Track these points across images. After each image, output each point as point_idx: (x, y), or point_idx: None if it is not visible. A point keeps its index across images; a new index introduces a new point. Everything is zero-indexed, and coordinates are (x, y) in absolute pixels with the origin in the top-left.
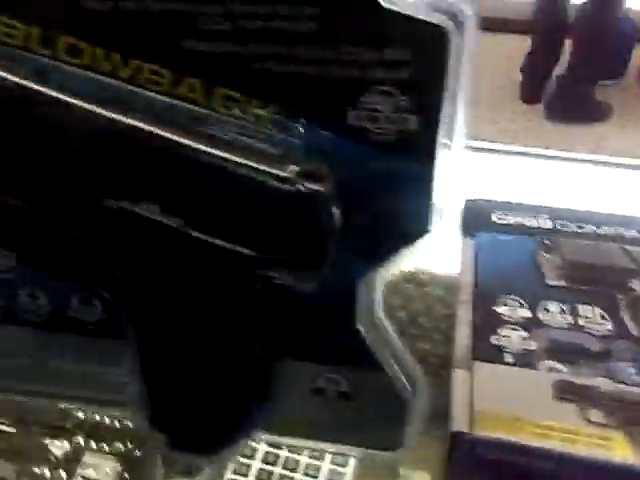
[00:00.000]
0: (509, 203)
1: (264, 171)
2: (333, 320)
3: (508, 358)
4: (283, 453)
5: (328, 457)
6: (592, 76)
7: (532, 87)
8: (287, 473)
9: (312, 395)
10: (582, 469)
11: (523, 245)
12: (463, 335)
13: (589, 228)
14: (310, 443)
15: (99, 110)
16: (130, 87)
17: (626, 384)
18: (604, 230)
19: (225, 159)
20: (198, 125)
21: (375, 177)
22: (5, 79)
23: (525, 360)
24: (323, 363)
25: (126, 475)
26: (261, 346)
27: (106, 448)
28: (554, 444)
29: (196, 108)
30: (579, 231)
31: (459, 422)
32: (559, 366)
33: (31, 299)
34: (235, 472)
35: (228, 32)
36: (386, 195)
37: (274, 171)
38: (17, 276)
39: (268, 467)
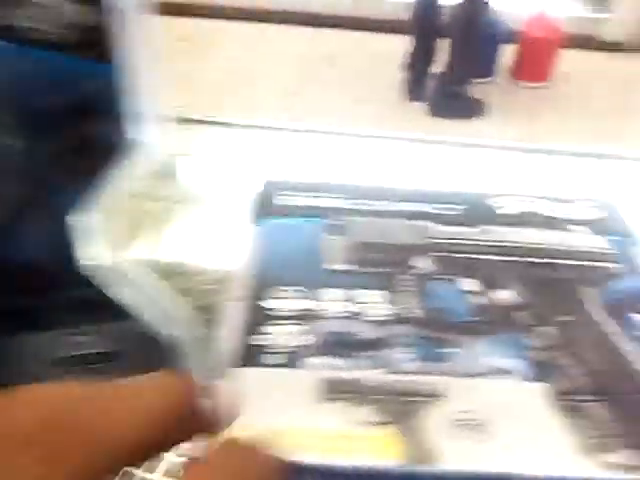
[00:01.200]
0: (302, 183)
1: None
2: (52, 267)
3: (268, 359)
4: None
5: None
6: (466, 75)
7: (414, 86)
8: None
9: (70, 364)
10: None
11: (307, 229)
12: (225, 338)
13: (382, 205)
14: None
15: None
16: None
17: (399, 373)
18: (398, 206)
19: None
20: None
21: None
22: None
23: (291, 359)
24: (59, 326)
25: None
26: None
27: None
28: (318, 453)
29: None
30: (371, 209)
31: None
32: (330, 361)
33: None
34: None
35: None
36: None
37: None
38: None
39: None
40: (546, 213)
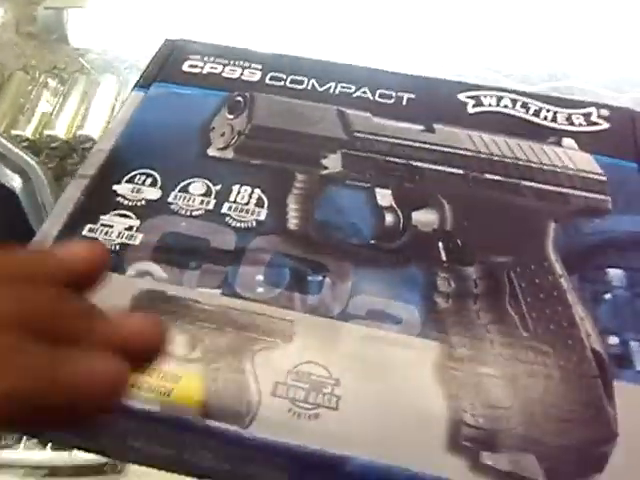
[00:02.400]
0: (214, 46)
1: None
2: None
3: None
4: None
5: None
6: None
7: None
8: None
9: None
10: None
11: (204, 102)
12: (54, 222)
13: (309, 83)
14: None
15: None
16: None
17: (241, 298)
18: (327, 87)
19: None
20: None
21: None
22: None
23: (115, 260)
24: None
25: None
26: None
27: None
28: None
29: None
30: (292, 86)
31: None
32: (159, 270)
33: None
34: None
35: None
36: None
37: None
38: None
39: None
40: (527, 117)
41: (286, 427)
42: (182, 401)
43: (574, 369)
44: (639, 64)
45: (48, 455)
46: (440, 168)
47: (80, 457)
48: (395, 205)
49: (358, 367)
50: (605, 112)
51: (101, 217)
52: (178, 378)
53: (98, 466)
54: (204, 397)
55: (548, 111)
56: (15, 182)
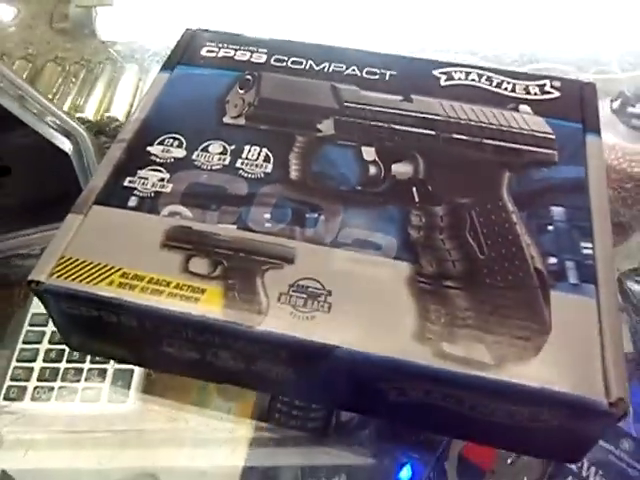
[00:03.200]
0: (227, 34)
1: None
2: None
3: (132, 202)
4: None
5: None
6: None
7: None
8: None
9: None
10: (149, 320)
11: (220, 80)
12: (99, 177)
13: (307, 64)
14: None
15: None
16: None
17: (252, 231)
18: (322, 66)
19: None
20: None
21: None
22: None
23: (151, 204)
24: None
25: None
26: None
27: None
28: (132, 295)
29: None
30: (293, 67)
31: (38, 269)
32: (186, 211)
33: None
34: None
35: None
36: None
37: None
38: None
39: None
40: (490, 88)
41: (289, 326)
42: (207, 307)
43: (520, 282)
44: (598, 46)
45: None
46: (416, 130)
47: None
48: (378, 159)
49: (346, 281)
50: (557, 83)
51: (138, 171)
52: (203, 290)
53: None
54: (224, 304)
55: (508, 83)
56: (66, 146)
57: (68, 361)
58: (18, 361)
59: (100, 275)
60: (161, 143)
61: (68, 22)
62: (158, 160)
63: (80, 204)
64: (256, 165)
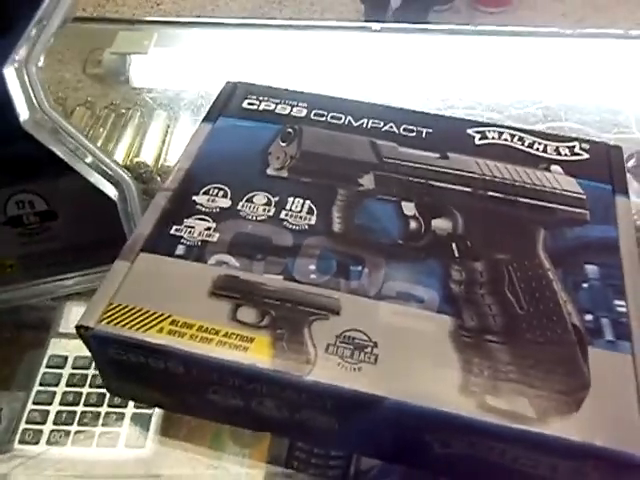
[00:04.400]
0: (268, 88)
1: None
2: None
3: (180, 250)
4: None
5: None
6: (426, 2)
7: (374, 17)
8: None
9: (8, 227)
10: (197, 367)
11: (262, 133)
12: (146, 224)
13: (346, 119)
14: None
15: None
16: None
17: (298, 282)
18: (361, 122)
19: None
20: None
21: None
22: None
23: (198, 253)
24: (6, 185)
25: None
26: None
27: None
28: (182, 342)
29: None
30: (332, 121)
31: (87, 315)
32: (232, 260)
33: None
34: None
35: None
36: None
37: None
38: None
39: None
40: (523, 148)
41: (337, 376)
42: (256, 356)
43: (559, 338)
44: (619, 108)
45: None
46: (453, 187)
47: None
48: (417, 215)
49: (391, 333)
50: (586, 145)
51: (184, 220)
52: (252, 339)
53: None
54: (273, 354)
55: (540, 144)
56: (112, 192)
57: (85, 404)
58: (34, 404)
59: (149, 322)
60: (206, 193)
61: (101, 68)
62: (204, 209)
63: (127, 251)
64: (300, 217)
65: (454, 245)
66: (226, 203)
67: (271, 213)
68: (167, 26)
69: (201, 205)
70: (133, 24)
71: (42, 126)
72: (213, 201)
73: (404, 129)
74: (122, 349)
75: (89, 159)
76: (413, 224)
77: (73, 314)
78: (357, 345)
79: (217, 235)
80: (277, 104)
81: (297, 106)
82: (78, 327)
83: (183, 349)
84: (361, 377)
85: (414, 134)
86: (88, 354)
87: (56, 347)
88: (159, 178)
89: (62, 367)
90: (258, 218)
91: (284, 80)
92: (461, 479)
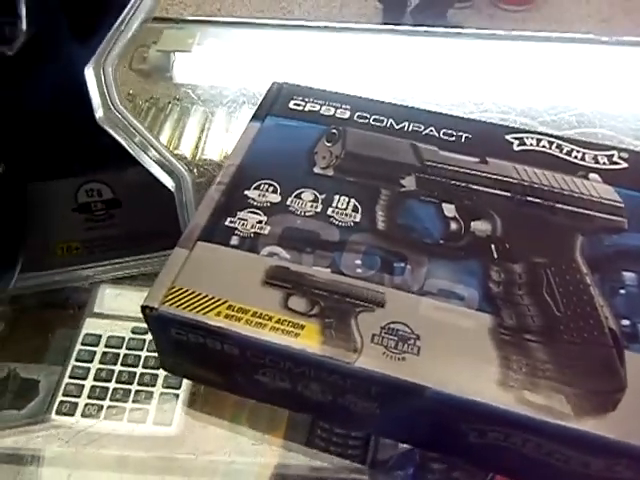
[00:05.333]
0: (313, 89)
1: None
2: (71, 118)
3: (234, 241)
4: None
5: None
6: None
7: (392, 13)
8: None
9: (78, 213)
10: (251, 350)
11: (308, 133)
12: (201, 215)
13: (388, 122)
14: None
15: None
16: None
17: (345, 275)
18: (402, 125)
19: None
20: None
21: None
22: None
23: (251, 244)
24: (76, 174)
25: None
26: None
27: None
28: (238, 326)
29: None
30: (375, 124)
31: (151, 296)
32: (283, 252)
33: None
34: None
35: None
36: None
37: None
38: None
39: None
40: (561, 155)
41: (382, 364)
42: (306, 341)
43: (595, 340)
44: None
45: None
46: (492, 191)
47: None
48: (457, 216)
49: (433, 328)
50: (624, 154)
51: (237, 213)
52: (302, 326)
53: None
54: (322, 340)
55: (578, 152)
56: (169, 183)
57: (117, 381)
58: (70, 377)
59: (208, 306)
60: (257, 188)
61: (146, 64)
62: (255, 204)
63: (186, 239)
64: (345, 214)
65: (493, 247)
66: (276, 198)
67: (318, 209)
68: (209, 25)
69: (252, 199)
70: (177, 23)
71: (114, 122)
72: (264, 196)
73: (444, 133)
74: (183, 329)
75: (151, 152)
76: (453, 225)
77: (107, 296)
78: (401, 337)
79: (268, 228)
80: (321, 105)
81: (341, 108)
82: (143, 307)
83: (240, 332)
84: (405, 367)
85: (454, 138)
86: (120, 334)
87: (91, 326)
88: (195, 171)
89: (96, 345)
90: (306, 213)
91: (317, 79)
92: (493, 469)
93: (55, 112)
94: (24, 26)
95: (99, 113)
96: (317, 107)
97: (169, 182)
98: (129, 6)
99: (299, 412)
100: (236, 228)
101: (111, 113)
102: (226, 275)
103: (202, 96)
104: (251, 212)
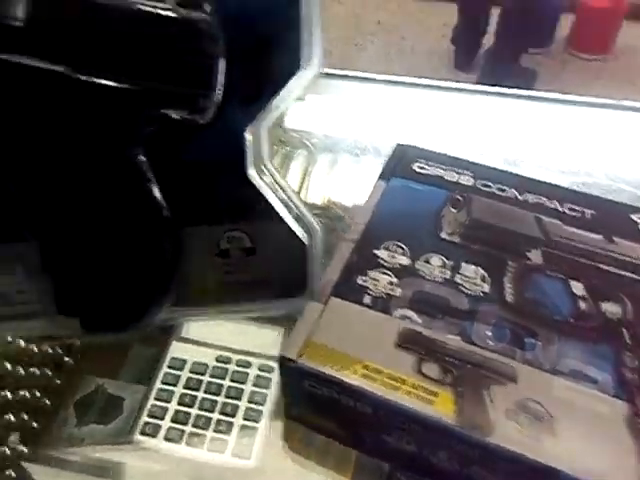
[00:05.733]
0: (436, 153)
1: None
2: (226, 172)
3: (367, 300)
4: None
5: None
6: (520, 45)
7: (464, 56)
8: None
9: (218, 258)
10: (385, 411)
11: (433, 197)
12: (334, 271)
13: (510, 192)
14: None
15: None
16: None
17: (476, 345)
18: (525, 197)
19: None
20: None
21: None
22: None
23: (383, 305)
24: (222, 222)
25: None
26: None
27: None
28: (374, 387)
29: None
30: (498, 193)
31: (289, 348)
32: (415, 316)
33: None
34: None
35: None
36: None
37: (153, 2)
38: None
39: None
40: None
41: (517, 442)
42: (441, 409)
43: None
44: None
45: None
46: (621, 272)
47: None
48: (587, 295)
49: (567, 410)
50: None
51: (368, 272)
52: (436, 394)
53: None
54: (455, 410)
55: None
56: (304, 237)
57: (199, 408)
58: (156, 399)
59: (345, 363)
60: (386, 248)
61: None
62: (386, 264)
63: (319, 294)
64: (474, 283)
65: (625, 331)
66: (405, 261)
67: (447, 276)
68: (321, 77)
69: (383, 260)
70: None
71: (262, 177)
72: (393, 257)
73: (569, 208)
74: (317, 383)
75: (292, 207)
76: (583, 304)
77: (194, 322)
78: (535, 415)
79: (399, 290)
80: (445, 170)
81: (463, 174)
82: (281, 357)
83: (375, 392)
84: (539, 447)
85: (579, 214)
86: (204, 360)
87: (177, 350)
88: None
89: (181, 369)
90: (435, 279)
91: (426, 138)
92: None
93: (214, 166)
94: (217, 97)
95: (251, 170)
96: (440, 172)
97: (304, 236)
98: (292, 80)
99: (420, 475)
100: (368, 287)
101: (261, 169)
102: (360, 334)
103: (301, 142)
104: (382, 272)
